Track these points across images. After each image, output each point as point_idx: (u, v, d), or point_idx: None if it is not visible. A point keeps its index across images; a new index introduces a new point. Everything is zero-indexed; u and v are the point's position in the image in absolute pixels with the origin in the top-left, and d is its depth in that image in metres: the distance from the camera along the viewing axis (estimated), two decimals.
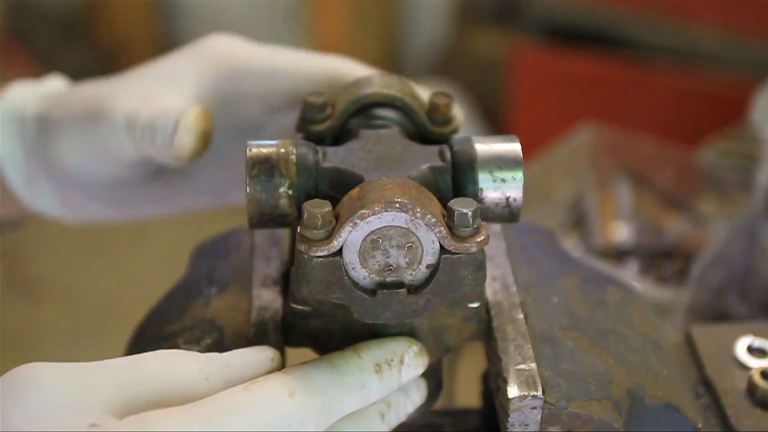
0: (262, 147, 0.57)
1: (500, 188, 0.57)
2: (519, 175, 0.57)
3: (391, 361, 0.54)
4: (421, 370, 0.55)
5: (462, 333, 0.59)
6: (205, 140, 0.63)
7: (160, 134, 0.62)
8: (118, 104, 0.65)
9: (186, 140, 0.61)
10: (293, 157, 0.56)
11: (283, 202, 0.56)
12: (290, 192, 0.56)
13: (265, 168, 0.56)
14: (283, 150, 0.56)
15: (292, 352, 0.59)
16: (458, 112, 0.63)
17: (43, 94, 0.71)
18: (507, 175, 0.57)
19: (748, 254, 1.10)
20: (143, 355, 0.50)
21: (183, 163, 0.63)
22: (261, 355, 0.53)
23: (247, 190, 0.56)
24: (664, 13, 2.01)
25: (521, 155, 0.57)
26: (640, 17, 2.04)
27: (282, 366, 0.54)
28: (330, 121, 0.60)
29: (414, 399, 0.56)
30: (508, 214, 0.58)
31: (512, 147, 0.58)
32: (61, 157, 0.69)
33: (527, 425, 0.56)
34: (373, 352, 0.54)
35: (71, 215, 0.74)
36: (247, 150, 0.57)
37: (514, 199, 0.57)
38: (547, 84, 2.10)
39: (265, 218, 0.57)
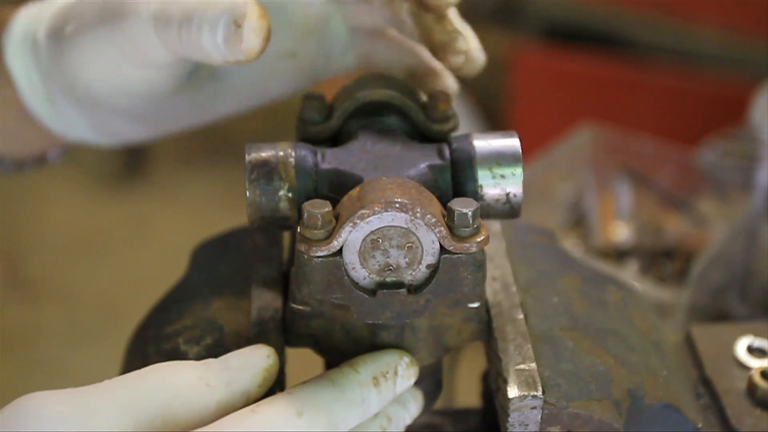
0: (261, 150, 0.57)
1: (500, 184, 0.57)
2: (518, 170, 0.57)
3: (387, 373, 0.54)
4: (413, 379, 0.56)
5: (462, 333, 0.59)
6: (268, 40, 0.56)
7: (208, 31, 0.55)
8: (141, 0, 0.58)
9: (254, 42, 0.54)
10: (292, 159, 0.56)
11: (283, 205, 0.56)
12: (290, 195, 0.56)
13: (264, 172, 0.56)
14: (281, 153, 0.56)
15: (292, 352, 0.59)
16: None
17: (55, 10, 0.64)
18: (506, 171, 0.57)
19: (748, 254, 1.10)
20: (141, 372, 0.50)
21: (241, 64, 0.56)
22: (257, 353, 0.53)
23: (247, 194, 0.56)
24: (664, 13, 2.01)
25: (520, 151, 0.57)
26: (640, 17, 2.04)
27: (280, 364, 0.54)
28: (329, 122, 0.60)
29: (412, 411, 0.57)
30: (509, 210, 0.58)
31: (511, 143, 0.58)
32: (82, 74, 0.63)
33: (527, 425, 0.56)
34: (369, 367, 0.54)
35: (104, 139, 0.69)
36: (246, 154, 0.57)
37: (515, 195, 0.57)
38: (546, 84, 2.10)
39: (266, 222, 0.57)
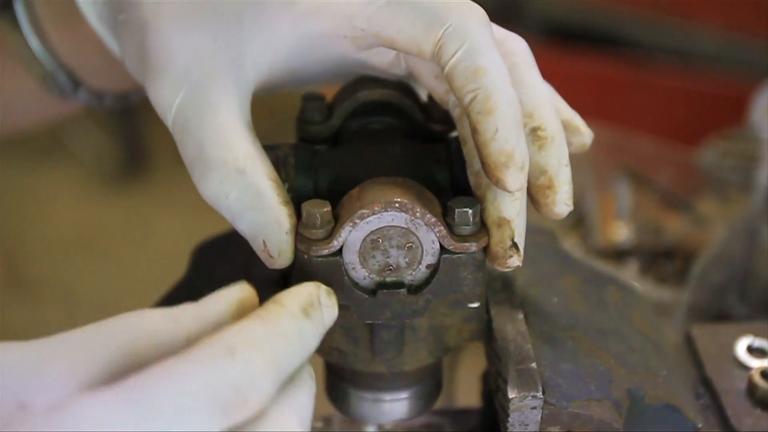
0: None
1: None
2: None
3: (311, 304, 0.49)
4: (336, 310, 0.51)
5: (462, 333, 0.59)
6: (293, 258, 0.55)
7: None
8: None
9: (277, 265, 0.55)
10: (292, 159, 0.56)
11: None
12: (290, 195, 0.56)
13: None
14: (281, 153, 0.56)
15: None
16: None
17: None
18: None
19: (748, 254, 1.10)
20: (101, 321, 0.46)
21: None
22: (230, 288, 0.49)
23: None
24: (664, 13, 2.01)
25: None
26: (640, 17, 2.04)
27: (257, 298, 0.50)
28: (329, 121, 0.60)
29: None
30: None
31: None
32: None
33: (527, 425, 0.56)
34: (293, 299, 0.49)
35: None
36: None
37: None
38: None
39: None
